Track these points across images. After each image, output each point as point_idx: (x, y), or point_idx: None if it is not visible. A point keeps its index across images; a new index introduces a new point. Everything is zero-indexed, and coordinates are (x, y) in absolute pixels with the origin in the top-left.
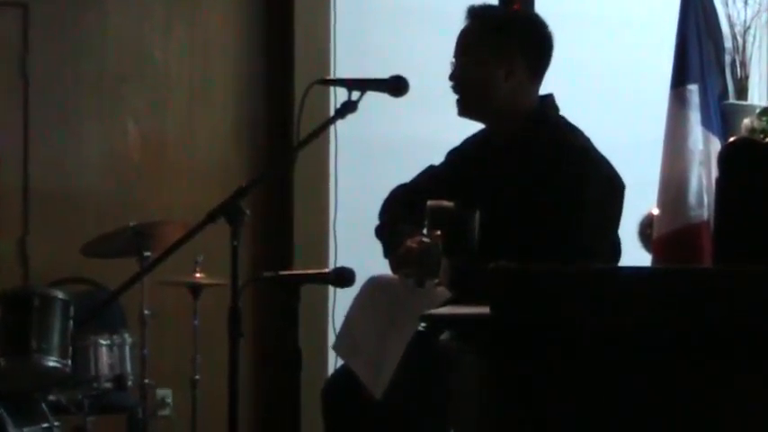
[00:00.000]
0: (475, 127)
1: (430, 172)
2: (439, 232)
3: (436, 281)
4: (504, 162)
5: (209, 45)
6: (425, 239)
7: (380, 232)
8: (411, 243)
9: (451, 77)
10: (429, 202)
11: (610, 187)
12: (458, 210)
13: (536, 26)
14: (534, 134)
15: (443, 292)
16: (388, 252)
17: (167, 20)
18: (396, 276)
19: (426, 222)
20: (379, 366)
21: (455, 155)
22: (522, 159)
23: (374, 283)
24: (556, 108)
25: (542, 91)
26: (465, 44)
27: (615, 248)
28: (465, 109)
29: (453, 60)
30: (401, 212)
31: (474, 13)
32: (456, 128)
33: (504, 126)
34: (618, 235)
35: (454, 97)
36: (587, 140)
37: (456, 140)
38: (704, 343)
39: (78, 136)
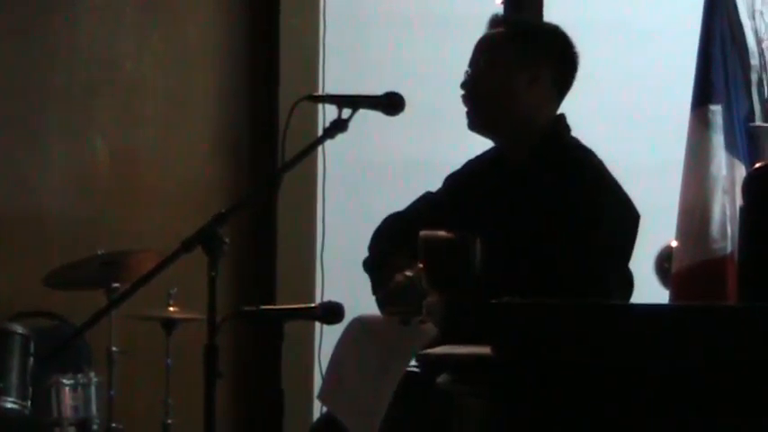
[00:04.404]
0: (478, 148)
1: (427, 199)
2: (421, 264)
3: (420, 318)
4: (512, 187)
5: (187, 55)
6: (409, 273)
7: (369, 266)
8: (400, 278)
9: (463, 85)
10: (422, 233)
11: (622, 216)
12: (455, 240)
13: (565, 40)
14: (546, 157)
15: (430, 329)
16: (377, 288)
17: (141, 27)
18: (382, 315)
19: (419, 255)
20: (368, 414)
21: (455, 180)
22: (531, 184)
23: (359, 325)
24: (568, 128)
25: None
26: (484, 49)
27: (627, 283)
28: (477, 121)
29: (468, 69)
30: (393, 244)
31: (498, 20)
32: (458, 149)
33: (518, 144)
34: (629, 269)
35: (456, 114)
36: (601, 164)
37: (459, 163)
38: (725, 387)
39: (42, 154)
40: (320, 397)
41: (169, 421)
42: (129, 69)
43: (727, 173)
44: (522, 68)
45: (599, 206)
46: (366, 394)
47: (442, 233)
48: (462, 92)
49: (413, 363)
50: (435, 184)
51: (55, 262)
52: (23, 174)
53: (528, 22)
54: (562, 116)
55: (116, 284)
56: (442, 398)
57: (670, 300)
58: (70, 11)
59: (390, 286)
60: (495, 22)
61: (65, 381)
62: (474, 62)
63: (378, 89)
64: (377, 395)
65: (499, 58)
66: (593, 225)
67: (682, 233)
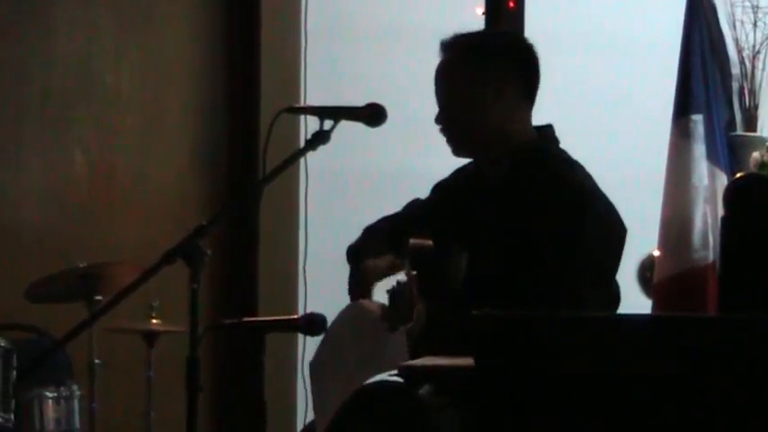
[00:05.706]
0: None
1: (416, 205)
2: (414, 272)
3: (409, 326)
4: (497, 199)
5: (165, 67)
6: (400, 279)
7: (352, 253)
8: (372, 263)
9: (436, 120)
10: (411, 241)
11: (609, 233)
12: (440, 252)
13: (522, 43)
14: (531, 169)
15: (400, 342)
16: (352, 282)
17: (119, 39)
18: (380, 309)
19: (406, 262)
20: (329, 408)
21: (442, 189)
22: (517, 197)
23: (357, 311)
24: (556, 141)
25: (537, 121)
26: (441, 77)
27: (613, 298)
28: (458, 148)
29: (436, 102)
30: (383, 241)
31: (447, 44)
32: (440, 159)
33: (497, 158)
34: (617, 283)
35: (437, 126)
36: (589, 179)
37: (440, 173)
38: (706, 396)
39: (20, 166)
40: (311, 365)
41: None
42: (107, 82)
43: (709, 182)
44: (484, 83)
45: (583, 223)
46: (340, 386)
47: (429, 243)
48: (438, 126)
49: (377, 377)
50: (417, 194)
51: (34, 275)
52: (1, 186)
53: (480, 34)
54: (549, 127)
55: (97, 297)
56: (423, 409)
57: (652, 309)
58: (47, 23)
59: (361, 268)
60: (444, 47)
61: (47, 394)
62: (437, 93)
63: (359, 100)
64: (347, 390)
65: (458, 82)
66: (573, 241)
67: (664, 243)
